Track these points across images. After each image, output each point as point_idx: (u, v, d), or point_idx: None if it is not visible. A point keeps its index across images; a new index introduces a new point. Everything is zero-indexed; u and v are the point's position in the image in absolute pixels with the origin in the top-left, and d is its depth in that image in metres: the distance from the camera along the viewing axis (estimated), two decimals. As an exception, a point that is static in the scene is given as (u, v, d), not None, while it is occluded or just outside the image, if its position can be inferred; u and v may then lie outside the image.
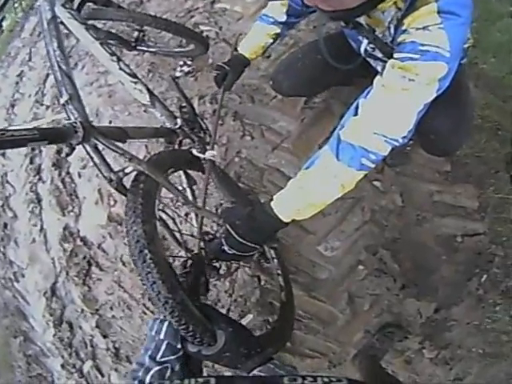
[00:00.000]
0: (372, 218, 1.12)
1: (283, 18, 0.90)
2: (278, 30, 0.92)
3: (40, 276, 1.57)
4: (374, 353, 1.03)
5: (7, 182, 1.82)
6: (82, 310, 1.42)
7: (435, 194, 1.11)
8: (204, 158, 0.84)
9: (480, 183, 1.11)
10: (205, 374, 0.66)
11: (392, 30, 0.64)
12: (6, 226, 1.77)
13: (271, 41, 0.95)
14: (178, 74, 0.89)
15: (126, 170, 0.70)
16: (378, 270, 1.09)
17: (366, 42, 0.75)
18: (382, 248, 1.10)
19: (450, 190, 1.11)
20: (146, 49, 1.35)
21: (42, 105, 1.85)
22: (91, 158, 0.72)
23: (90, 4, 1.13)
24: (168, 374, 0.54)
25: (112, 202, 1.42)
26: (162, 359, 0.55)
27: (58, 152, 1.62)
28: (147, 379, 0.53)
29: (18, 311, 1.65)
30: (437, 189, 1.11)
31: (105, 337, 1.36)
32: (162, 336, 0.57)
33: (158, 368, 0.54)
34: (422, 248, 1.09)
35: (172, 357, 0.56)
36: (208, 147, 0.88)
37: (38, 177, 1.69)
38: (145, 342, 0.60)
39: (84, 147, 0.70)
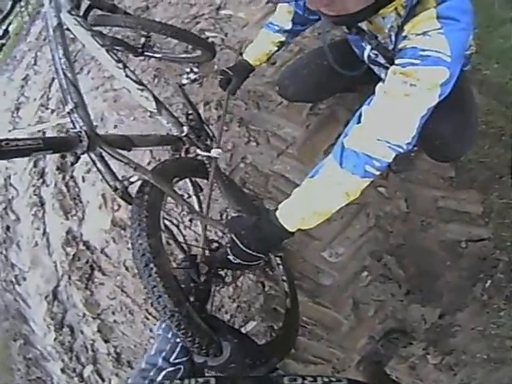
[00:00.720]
0: (377, 223, 1.12)
1: (289, 26, 0.91)
2: (283, 38, 0.94)
3: (42, 279, 1.57)
4: (378, 359, 1.02)
5: (10, 184, 1.83)
6: (84, 315, 1.41)
7: (439, 199, 1.12)
8: (209, 156, 0.85)
9: (484, 189, 1.11)
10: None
11: (393, 37, 0.65)
12: (8, 228, 1.77)
13: (275, 49, 0.96)
14: (184, 81, 0.90)
15: (131, 179, 0.70)
16: (382, 275, 1.09)
17: (368, 48, 0.76)
18: (387, 254, 1.10)
19: (455, 195, 1.11)
20: (152, 54, 1.36)
21: (47, 108, 1.86)
22: (96, 166, 0.72)
23: (96, 10, 1.14)
24: (180, 374, 0.56)
25: (116, 207, 1.42)
26: (176, 360, 0.57)
27: (63, 156, 1.62)
28: (158, 379, 0.54)
29: (18, 314, 1.64)
30: (441, 194, 1.12)
31: (106, 341, 1.35)
32: (178, 339, 0.58)
33: (171, 369, 0.56)
34: (427, 254, 1.08)
35: (185, 358, 0.57)
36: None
37: (41, 180, 1.69)
38: (147, 346, 0.61)
39: (89, 156, 0.70)
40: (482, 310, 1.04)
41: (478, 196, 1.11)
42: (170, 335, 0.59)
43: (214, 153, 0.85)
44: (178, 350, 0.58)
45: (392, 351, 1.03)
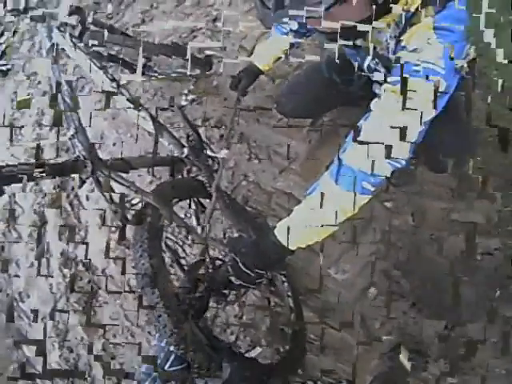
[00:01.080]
0: (383, 238, 1.11)
1: (295, 26, 0.91)
2: (291, 40, 0.95)
3: (39, 301, 1.54)
4: (391, 378, 0.99)
5: (14, 202, 1.81)
6: (83, 338, 1.38)
7: (446, 211, 1.10)
8: (217, 157, 0.88)
9: (490, 197, 1.10)
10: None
11: (391, 48, 0.66)
12: (7, 247, 1.74)
13: (282, 55, 0.98)
14: (183, 102, 0.92)
15: (133, 201, 0.72)
16: (391, 291, 1.07)
17: (369, 58, 0.76)
18: (395, 269, 1.08)
19: (460, 206, 1.10)
20: (151, 74, 1.36)
21: (44, 125, 1.85)
22: (99, 189, 0.73)
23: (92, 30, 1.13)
24: None
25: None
26: (170, 369, 0.59)
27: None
28: None
29: (18, 334, 1.60)
30: (447, 206, 1.11)
31: (107, 363, 1.32)
32: (171, 348, 0.59)
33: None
34: (435, 267, 1.06)
35: (179, 367, 0.59)
36: (215, 175, 0.89)
37: (44, 199, 1.68)
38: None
39: (93, 180, 0.72)
40: (496, 322, 1.01)
41: (484, 205, 1.09)
42: (163, 344, 0.61)
43: (221, 153, 0.87)
44: (171, 358, 0.60)
45: (405, 371, 0.99)
